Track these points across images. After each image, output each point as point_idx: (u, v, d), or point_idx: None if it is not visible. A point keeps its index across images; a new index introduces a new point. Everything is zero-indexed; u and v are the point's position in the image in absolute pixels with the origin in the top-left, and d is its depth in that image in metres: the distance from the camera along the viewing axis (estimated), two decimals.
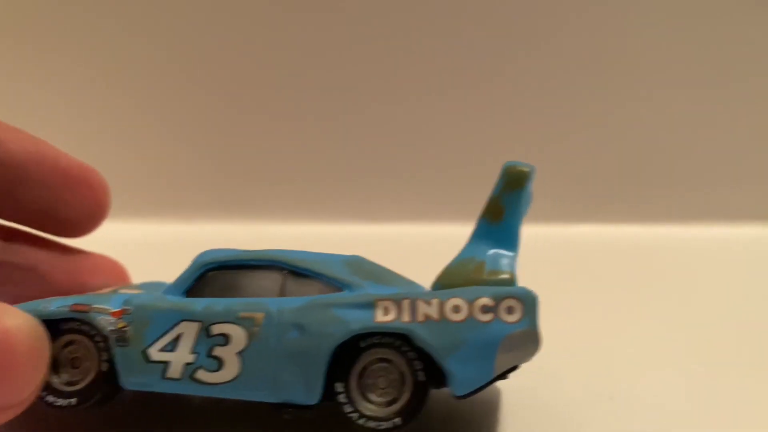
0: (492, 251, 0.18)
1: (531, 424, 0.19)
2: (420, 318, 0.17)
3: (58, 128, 0.30)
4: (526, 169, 0.18)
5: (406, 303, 0.17)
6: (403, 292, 0.18)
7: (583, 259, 0.36)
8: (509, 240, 0.18)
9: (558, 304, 0.30)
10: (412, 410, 0.17)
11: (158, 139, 0.45)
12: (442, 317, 0.17)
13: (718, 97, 0.45)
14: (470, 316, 0.17)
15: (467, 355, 0.17)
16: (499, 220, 0.18)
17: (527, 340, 0.17)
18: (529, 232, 0.31)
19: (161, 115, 0.43)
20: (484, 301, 0.17)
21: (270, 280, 0.19)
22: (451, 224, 0.27)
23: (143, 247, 0.32)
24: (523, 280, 0.33)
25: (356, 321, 0.17)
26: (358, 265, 0.19)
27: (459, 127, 0.44)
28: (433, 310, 0.17)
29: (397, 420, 0.17)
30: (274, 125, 0.42)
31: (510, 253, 0.18)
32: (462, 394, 0.17)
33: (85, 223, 0.24)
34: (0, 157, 0.21)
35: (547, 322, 0.28)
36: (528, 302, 0.17)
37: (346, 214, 0.38)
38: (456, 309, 0.17)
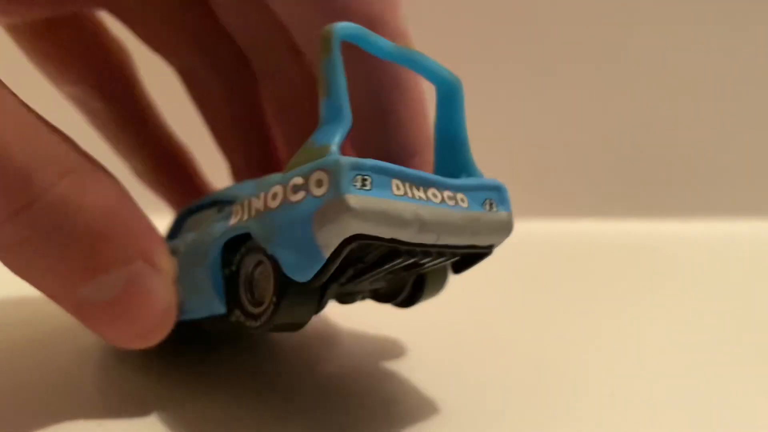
0: (322, 128, 0.16)
1: (531, 420, 0.18)
2: (252, 214, 0.17)
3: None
4: (328, 30, 0.16)
5: (245, 202, 0.17)
6: (249, 192, 0.17)
7: (585, 255, 0.36)
8: (336, 111, 0.16)
9: (558, 300, 0.30)
10: (276, 306, 0.16)
11: None
12: (265, 208, 0.16)
13: (722, 91, 0.45)
14: (284, 200, 0.16)
15: (285, 239, 0.16)
16: (327, 95, 0.16)
17: (337, 211, 0.15)
18: (530, 227, 0.31)
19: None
20: (295, 180, 0.16)
21: (207, 216, 0.20)
22: None
23: None
24: (525, 276, 0.32)
25: (217, 232, 0.18)
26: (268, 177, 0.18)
27: None
28: (259, 203, 0.17)
29: (264, 317, 0.17)
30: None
31: (333, 126, 0.16)
32: (302, 279, 0.16)
33: None
34: None
35: (547, 318, 0.27)
36: (333, 171, 0.15)
37: None
38: (274, 196, 0.16)
